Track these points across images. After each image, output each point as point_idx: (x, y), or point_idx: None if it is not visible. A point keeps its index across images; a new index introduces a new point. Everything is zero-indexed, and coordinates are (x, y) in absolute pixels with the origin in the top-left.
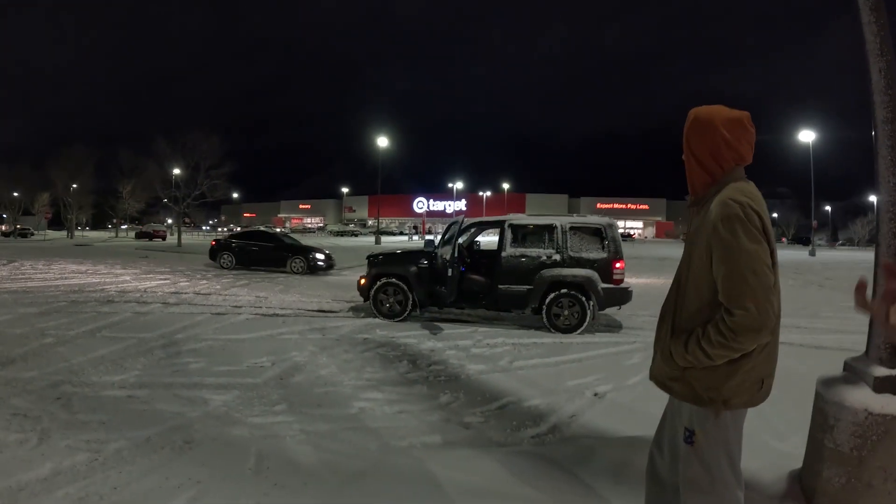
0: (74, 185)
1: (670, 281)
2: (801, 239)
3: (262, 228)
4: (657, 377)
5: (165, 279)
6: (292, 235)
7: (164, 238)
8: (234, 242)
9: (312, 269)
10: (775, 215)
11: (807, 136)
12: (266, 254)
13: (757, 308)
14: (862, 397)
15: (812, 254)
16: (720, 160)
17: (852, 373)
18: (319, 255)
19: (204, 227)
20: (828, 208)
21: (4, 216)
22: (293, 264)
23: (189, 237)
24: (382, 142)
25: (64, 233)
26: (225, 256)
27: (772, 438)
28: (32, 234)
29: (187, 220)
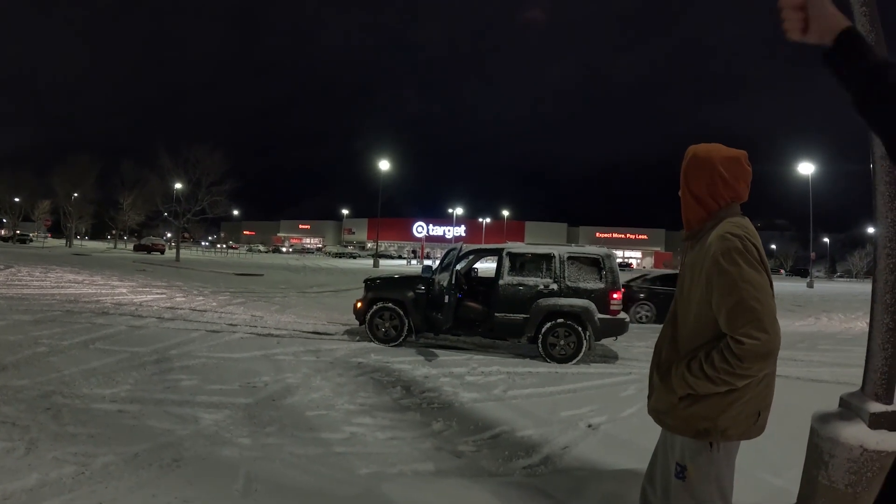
0: (76, 194)
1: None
2: (800, 270)
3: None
4: (655, 411)
5: (162, 293)
6: None
7: (162, 252)
8: (658, 289)
9: None
10: (773, 247)
11: (806, 168)
12: None
13: (765, 335)
14: (857, 433)
15: (810, 286)
16: (716, 197)
17: (848, 408)
18: None
19: (203, 243)
20: (826, 240)
21: (4, 221)
22: None
23: (187, 252)
24: (384, 165)
25: (63, 241)
26: (643, 308)
27: (766, 473)
28: (31, 241)
29: (186, 234)
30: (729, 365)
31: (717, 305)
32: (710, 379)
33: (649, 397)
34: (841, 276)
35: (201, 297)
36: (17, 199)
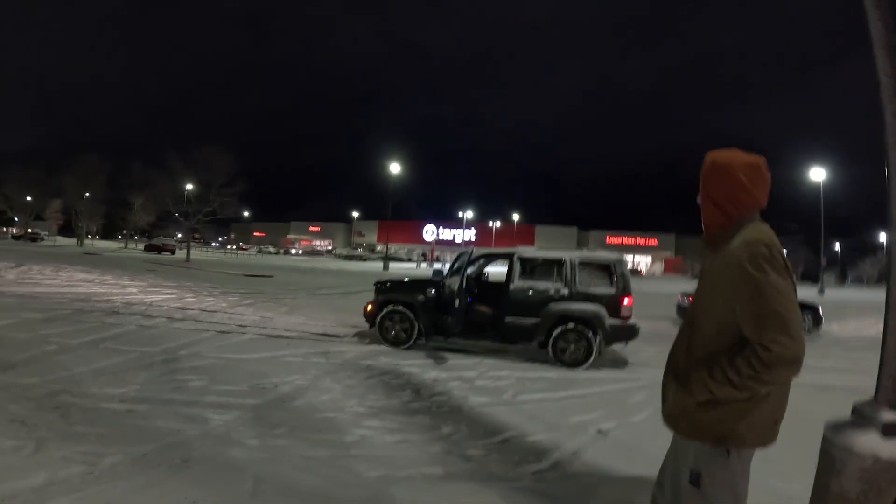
0: (87, 194)
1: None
2: (811, 276)
3: None
4: (669, 417)
5: (172, 293)
6: None
7: (172, 252)
8: None
9: None
10: (784, 252)
11: (817, 173)
12: None
13: (793, 341)
14: (870, 442)
15: (821, 292)
16: (737, 203)
17: (860, 416)
18: None
19: (213, 244)
20: (837, 246)
21: (16, 219)
22: None
23: (197, 253)
24: (395, 168)
25: (74, 240)
26: None
27: (776, 480)
28: (42, 240)
29: (197, 235)
30: (755, 371)
31: (743, 311)
32: (733, 385)
33: (664, 403)
34: (852, 283)
35: (211, 298)
36: (28, 199)
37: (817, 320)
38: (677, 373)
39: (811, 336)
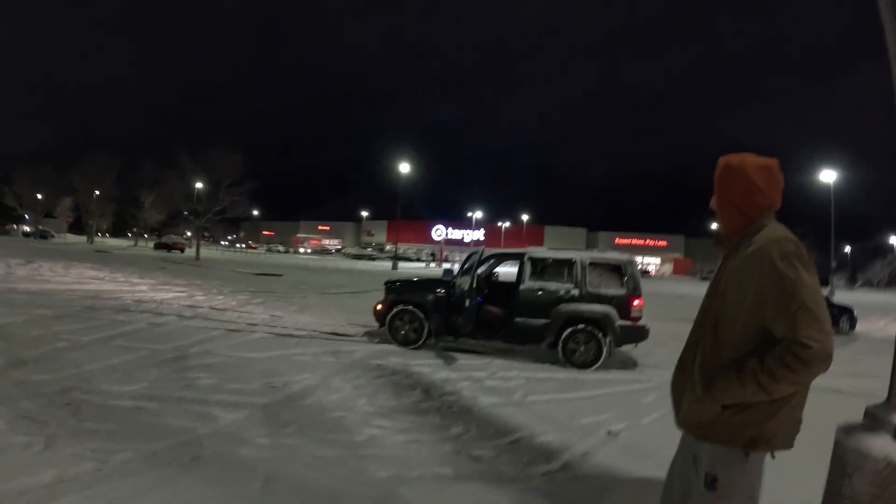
0: (97, 192)
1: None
2: (820, 279)
3: None
4: (688, 422)
5: (182, 291)
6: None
7: (182, 250)
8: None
9: None
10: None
11: (827, 175)
12: None
13: (826, 336)
14: (882, 446)
15: (831, 295)
16: (754, 204)
17: (873, 420)
18: None
19: (222, 242)
20: (847, 249)
21: (27, 217)
22: None
23: (207, 251)
24: (404, 168)
25: (83, 238)
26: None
27: (787, 485)
28: (52, 237)
29: (206, 234)
30: (791, 370)
31: (777, 310)
32: (764, 387)
33: (677, 409)
34: (862, 286)
35: (221, 296)
36: (39, 196)
37: (853, 322)
38: (700, 376)
39: (846, 338)
